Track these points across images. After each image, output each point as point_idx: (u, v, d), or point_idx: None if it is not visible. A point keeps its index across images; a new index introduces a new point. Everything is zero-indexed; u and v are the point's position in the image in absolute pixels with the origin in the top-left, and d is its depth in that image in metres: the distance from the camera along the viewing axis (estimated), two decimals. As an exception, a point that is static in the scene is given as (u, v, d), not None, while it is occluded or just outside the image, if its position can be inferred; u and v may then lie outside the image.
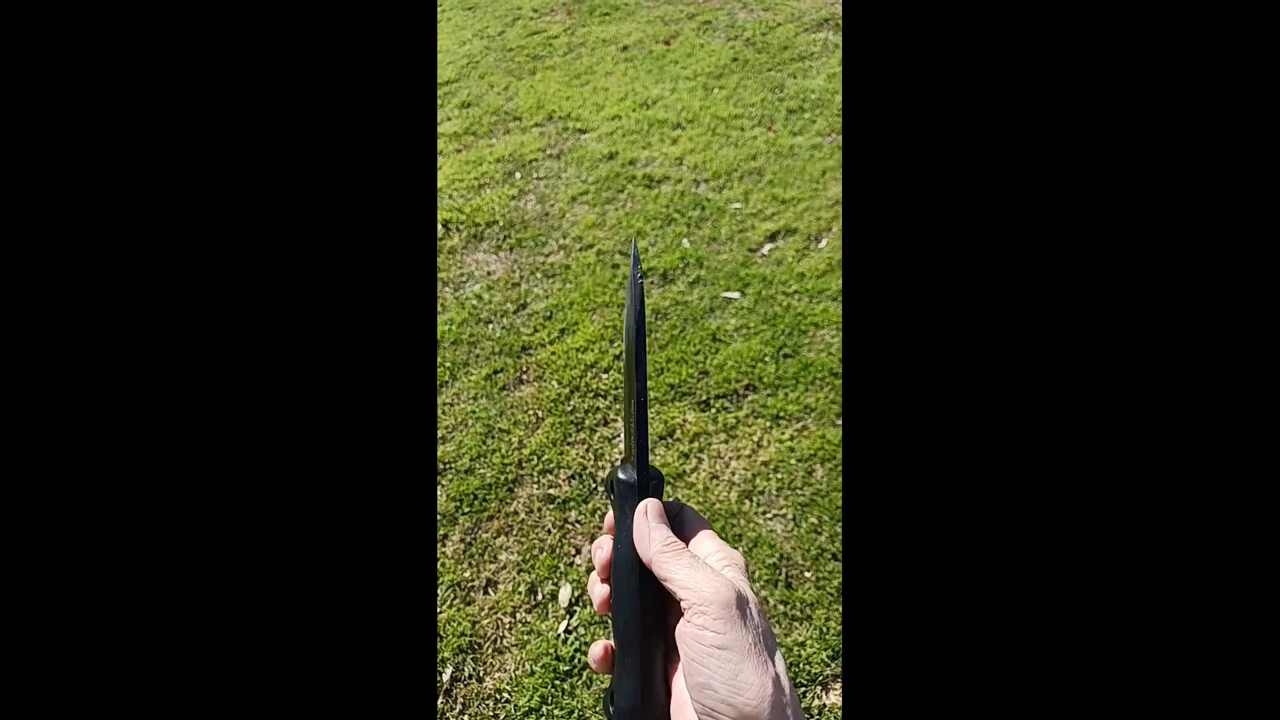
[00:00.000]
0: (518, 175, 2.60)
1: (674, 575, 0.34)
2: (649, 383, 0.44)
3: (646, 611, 0.36)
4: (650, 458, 0.41)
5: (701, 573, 0.33)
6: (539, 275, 2.16)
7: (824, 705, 1.23)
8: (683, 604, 0.33)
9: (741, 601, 0.32)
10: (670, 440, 1.64)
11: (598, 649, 0.38)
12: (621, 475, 0.39)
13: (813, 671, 1.26)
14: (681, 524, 0.39)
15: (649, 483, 0.39)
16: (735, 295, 1.98)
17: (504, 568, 1.46)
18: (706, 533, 0.38)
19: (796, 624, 1.32)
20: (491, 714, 1.26)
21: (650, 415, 0.44)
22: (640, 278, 0.40)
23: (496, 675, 1.30)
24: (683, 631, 0.33)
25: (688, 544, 0.38)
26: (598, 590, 0.39)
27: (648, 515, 0.36)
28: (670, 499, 0.39)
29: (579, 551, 1.47)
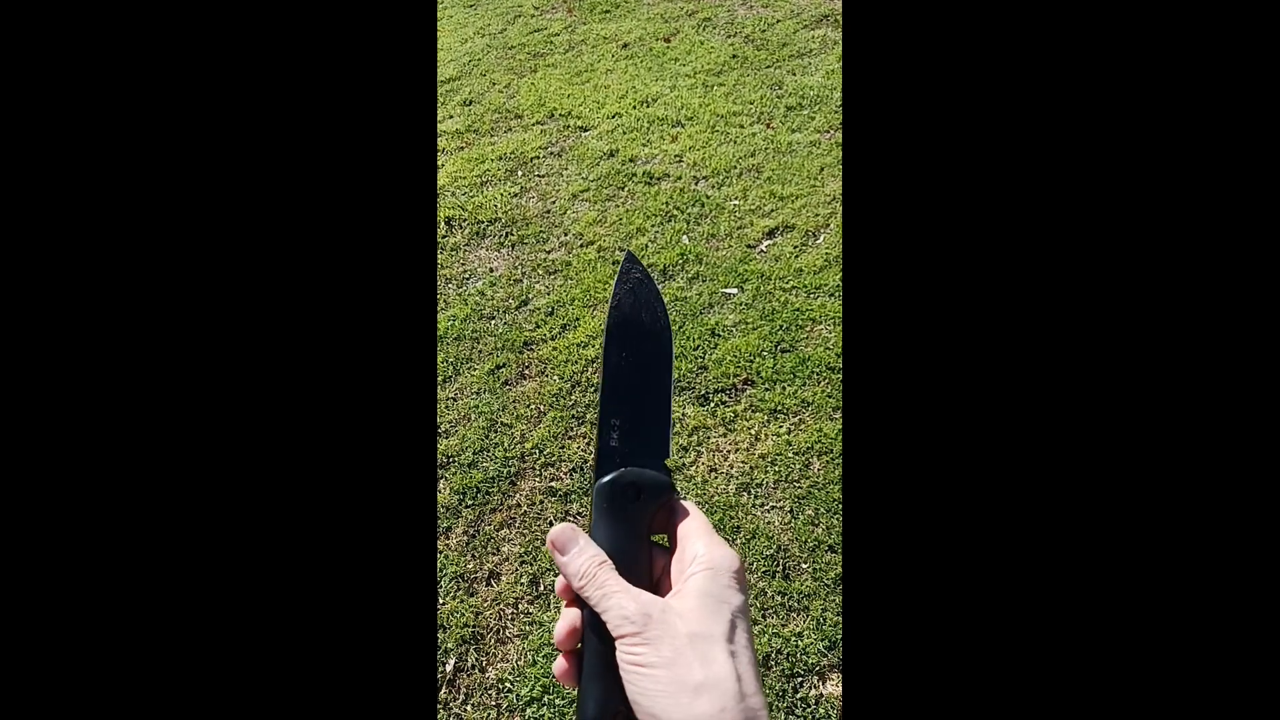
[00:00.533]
0: (519, 173, 2.62)
1: (595, 605, 0.34)
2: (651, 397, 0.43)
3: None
4: (611, 461, 0.39)
5: (613, 599, 0.34)
6: (540, 272, 2.18)
7: (820, 695, 1.26)
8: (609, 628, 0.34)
9: (654, 620, 0.32)
10: (670, 434, 1.66)
11: (560, 664, 0.37)
12: (601, 480, 0.38)
13: (809, 661, 1.28)
14: (674, 521, 0.38)
15: (599, 487, 0.37)
16: (734, 291, 2.00)
17: (506, 559, 1.48)
18: (696, 528, 0.37)
19: (794, 615, 1.34)
20: (494, 704, 1.28)
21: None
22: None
23: (499, 665, 1.33)
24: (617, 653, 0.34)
25: (676, 544, 0.37)
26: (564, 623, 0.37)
27: (554, 547, 0.36)
28: (683, 498, 0.38)
29: (580, 544, 1.49)
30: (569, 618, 0.37)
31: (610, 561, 0.36)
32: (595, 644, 0.35)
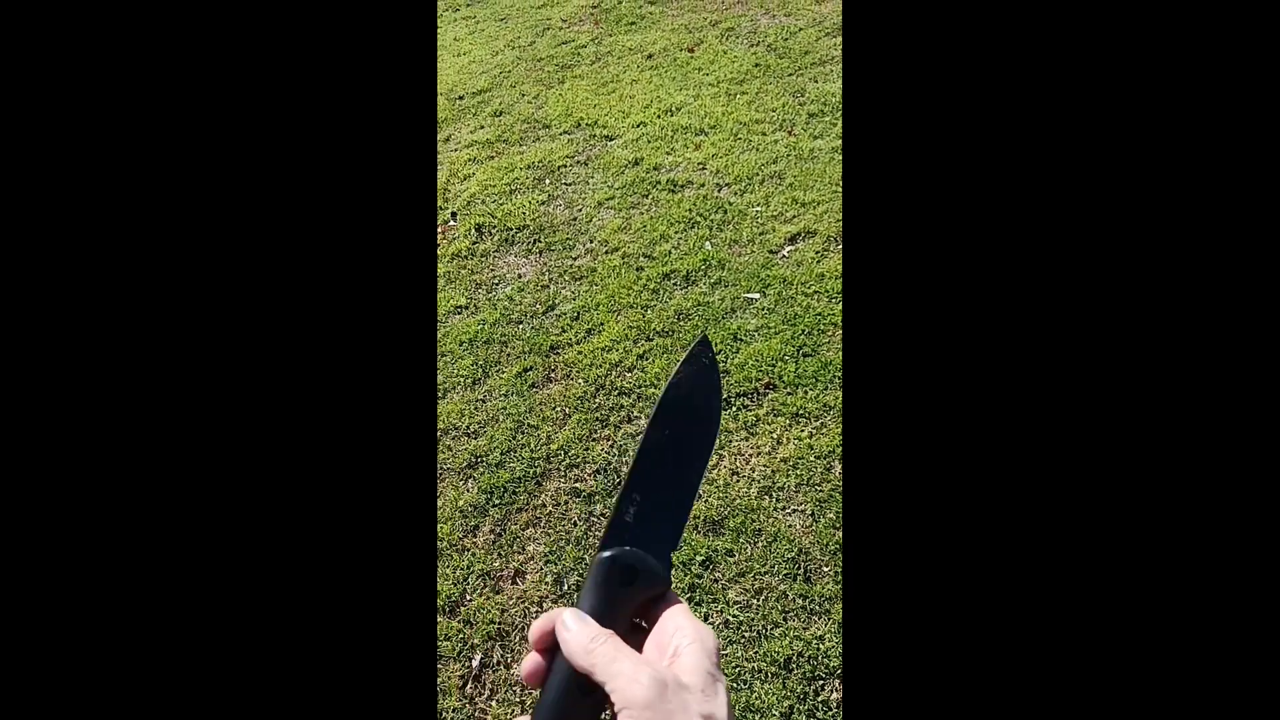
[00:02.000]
0: (547, 181, 2.67)
1: (602, 676, 0.34)
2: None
3: (576, 702, 0.35)
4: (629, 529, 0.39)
5: (623, 666, 0.33)
6: (567, 278, 2.22)
7: (840, 698, 1.26)
8: (614, 702, 0.33)
9: (668, 692, 0.32)
10: (692, 438, 1.68)
11: (530, 663, 0.37)
12: (603, 553, 0.38)
13: (830, 665, 1.29)
14: (659, 607, 0.38)
15: (608, 571, 0.37)
16: (756, 296, 2.02)
17: (531, 558, 1.51)
18: (679, 609, 0.37)
19: (815, 618, 1.35)
20: (518, 699, 1.31)
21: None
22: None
23: (524, 660, 1.36)
24: None
25: (655, 621, 0.37)
26: (531, 660, 0.37)
27: (566, 625, 0.36)
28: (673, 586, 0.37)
29: (603, 544, 1.52)
30: (535, 660, 0.37)
31: (616, 635, 0.35)
32: (551, 701, 0.35)
